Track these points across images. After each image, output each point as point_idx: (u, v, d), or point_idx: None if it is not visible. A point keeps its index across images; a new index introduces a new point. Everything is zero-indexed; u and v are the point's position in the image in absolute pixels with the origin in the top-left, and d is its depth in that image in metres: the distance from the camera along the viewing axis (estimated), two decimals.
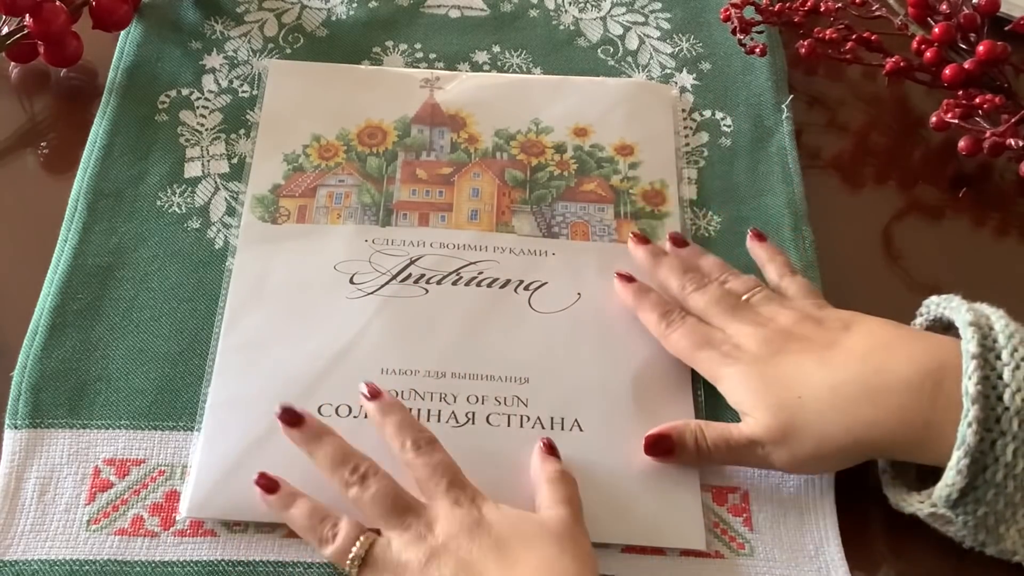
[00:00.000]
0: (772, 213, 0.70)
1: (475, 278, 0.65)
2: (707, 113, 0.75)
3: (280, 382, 0.60)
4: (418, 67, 0.77)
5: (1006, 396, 0.51)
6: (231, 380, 0.60)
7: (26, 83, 0.76)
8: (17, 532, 0.55)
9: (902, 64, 0.74)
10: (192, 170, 0.70)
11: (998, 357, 0.52)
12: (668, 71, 0.78)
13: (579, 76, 0.77)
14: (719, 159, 0.73)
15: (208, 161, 0.70)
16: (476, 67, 0.77)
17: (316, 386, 0.59)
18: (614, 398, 0.60)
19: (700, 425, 0.58)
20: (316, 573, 0.54)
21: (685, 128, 0.75)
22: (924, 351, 0.55)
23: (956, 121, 0.71)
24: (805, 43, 0.76)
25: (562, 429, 0.59)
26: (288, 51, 0.77)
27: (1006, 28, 0.75)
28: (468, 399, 0.60)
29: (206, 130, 0.72)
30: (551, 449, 0.57)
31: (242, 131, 0.72)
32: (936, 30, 0.73)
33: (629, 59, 0.78)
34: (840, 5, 0.76)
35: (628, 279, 0.64)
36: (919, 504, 0.55)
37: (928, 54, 0.74)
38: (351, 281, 0.64)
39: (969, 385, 0.51)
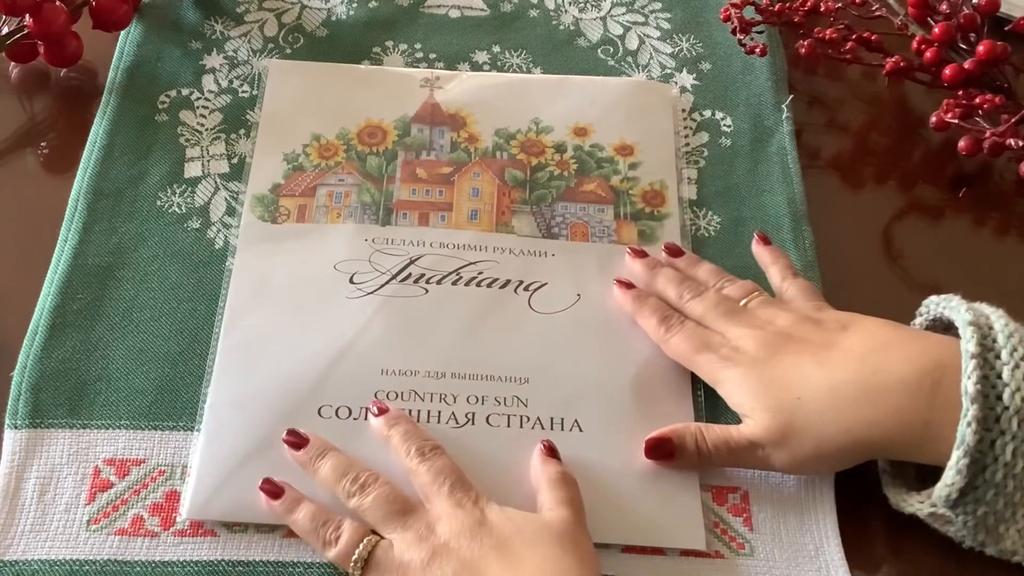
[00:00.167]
0: (772, 213, 0.70)
1: (475, 278, 0.65)
2: (707, 113, 0.75)
3: (280, 382, 0.60)
4: (418, 67, 0.77)
5: (1005, 395, 0.51)
6: (231, 380, 0.60)
7: (26, 83, 0.76)
8: (17, 532, 0.55)
9: (902, 64, 0.74)
10: (192, 170, 0.70)
11: (997, 356, 0.52)
12: (668, 71, 0.78)
13: (579, 76, 0.77)
14: (719, 159, 0.73)
15: (208, 161, 0.70)
16: (476, 67, 0.77)
17: (316, 387, 0.59)
18: (614, 399, 0.60)
19: (700, 428, 0.58)
20: (316, 573, 0.54)
21: (685, 128, 0.75)
22: (922, 351, 0.55)
23: (956, 121, 0.71)
24: (805, 43, 0.76)
25: (562, 429, 0.59)
26: (288, 51, 0.77)
27: (1006, 28, 0.75)
28: (468, 399, 0.60)
29: (206, 130, 0.72)
30: (552, 451, 0.57)
31: (242, 131, 0.72)
32: (936, 30, 0.73)
33: (629, 59, 0.79)
34: (840, 5, 0.76)
35: (627, 285, 0.64)
36: (919, 504, 0.55)
37: (928, 54, 0.74)
38: (351, 281, 0.64)
39: (968, 384, 0.51)
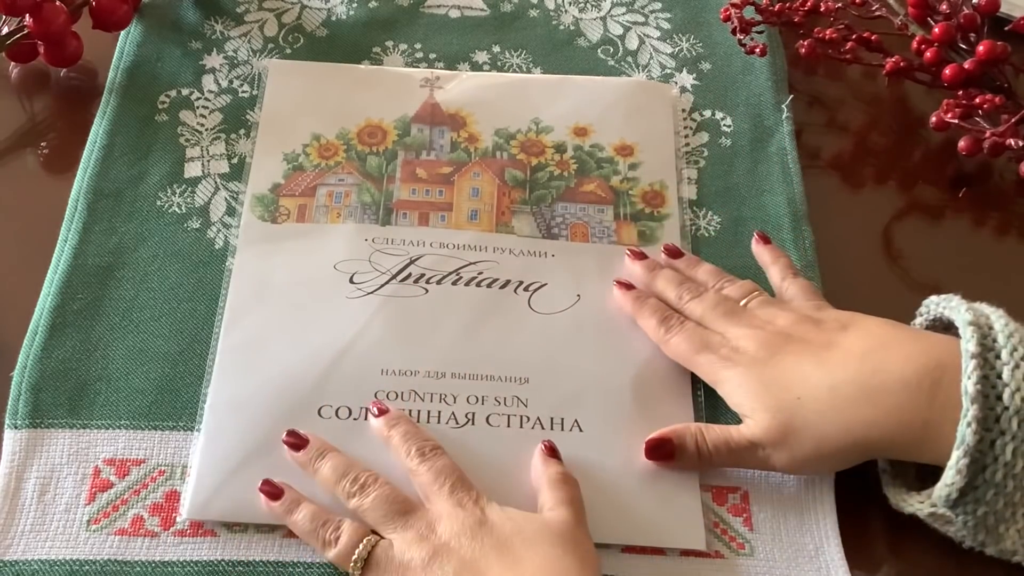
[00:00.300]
0: (772, 213, 0.70)
1: (475, 278, 0.65)
2: (707, 113, 0.75)
3: (280, 382, 0.60)
4: (418, 67, 0.77)
5: (1005, 395, 0.51)
6: (231, 380, 0.60)
7: (26, 83, 0.76)
8: (17, 532, 0.55)
9: (902, 64, 0.74)
10: (192, 170, 0.70)
11: (997, 356, 0.52)
12: (668, 71, 0.78)
13: (579, 76, 0.77)
14: (719, 159, 0.73)
15: (208, 161, 0.70)
16: (476, 67, 0.77)
17: (316, 387, 0.59)
18: (614, 399, 0.60)
19: (700, 428, 0.58)
20: (316, 573, 0.54)
21: (685, 128, 0.75)
22: (922, 351, 0.55)
23: (956, 121, 0.71)
24: (805, 43, 0.76)
25: (562, 429, 0.59)
26: (288, 51, 0.77)
27: (1006, 28, 0.75)
28: (468, 399, 0.60)
29: (206, 130, 0.72)
30: (552, 451, 0.57)
31: (242, 131, 0.72)
32: (936, 30, 0.73)
33: (629, 59, 0.79)
34: (840, 5, 0.76)
35: (627, 286, 0.64)
36: (919, 504, 0.55)
37: (928, 54, 0.74)
38: (351, 280, 0.64)
39: (968, 384, 0.51)
